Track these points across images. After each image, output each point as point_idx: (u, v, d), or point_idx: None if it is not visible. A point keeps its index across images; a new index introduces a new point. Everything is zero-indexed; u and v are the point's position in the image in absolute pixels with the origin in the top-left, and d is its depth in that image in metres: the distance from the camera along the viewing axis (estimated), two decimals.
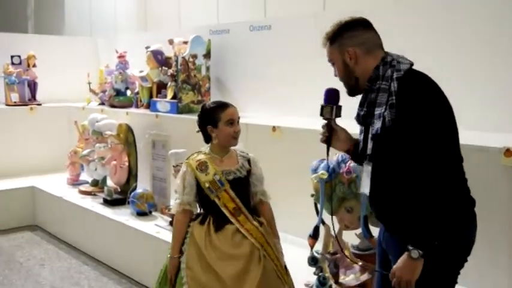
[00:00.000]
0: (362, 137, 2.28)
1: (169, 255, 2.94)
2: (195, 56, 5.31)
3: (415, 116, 1.99)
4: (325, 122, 2.37)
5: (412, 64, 2.15)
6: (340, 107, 2.35)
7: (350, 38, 2.20)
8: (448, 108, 2.06)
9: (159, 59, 5.66)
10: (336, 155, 2.96)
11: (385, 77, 2.11)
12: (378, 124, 2.09)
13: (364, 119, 2.21)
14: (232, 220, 2.88)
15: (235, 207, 2.90)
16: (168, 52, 5.61)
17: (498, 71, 3.52)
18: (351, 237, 3.14)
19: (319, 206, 3.08)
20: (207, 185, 2.88)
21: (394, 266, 2.09)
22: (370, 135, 2.19)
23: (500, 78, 3.51)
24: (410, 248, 2.01)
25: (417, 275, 2.03)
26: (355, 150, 2.37)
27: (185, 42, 5.39)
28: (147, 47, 5.73)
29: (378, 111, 2.10)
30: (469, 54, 3.63)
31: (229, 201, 2.90)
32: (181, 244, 2.92)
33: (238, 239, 2.86)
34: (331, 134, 2.36)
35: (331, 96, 2.36)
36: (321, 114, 2.36)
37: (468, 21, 3.65)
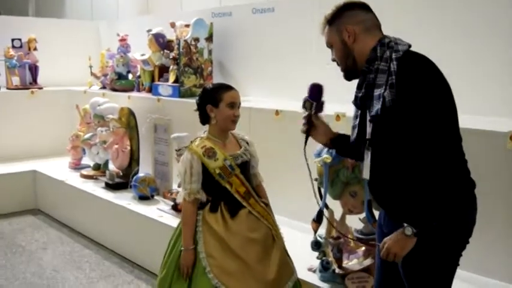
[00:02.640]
0: (357, 122, 2.26)
1: (182, 248, 2.84)
2: (197, 39, 5.27)
3: (416, 95, 1.97)
4: (306, 114, 2.46)
5: (410, 46, 2.14)
6: (322, 103, 2.45)
7: (349, 17, 2.20)
8: (447, 88, 2.04)
9: (161, 43, 5.61)
10: None
11: (384, 58, 2.09)
12: (377, 105, 2.06)
13: (362, 101, 2.18)
14: (244, 204, 2.87)
15: (245, 191, 2.89)
16: (170, 35, 5.56)
17: (505, 54, 3.47)
18: (355, 222, 3.12)
19: (323, 190, 3.07)
20: (217, 171, 2.83)
21: (387, 238, 2.12)
22: (368, 118, 2.17)
23: (507, 61, 3.47)
24: (405, 225, 2.03)
25: (406, 251, 2.06)
26: (333, 144, 2.50)
27: (187, 26, 5.34)
28: (148, 30, 5.69)
29: (377, 92, 2.08)
30: (476, 37, 3.58)
31: (240, 186, 2.87)
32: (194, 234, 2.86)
33: (253, 223, 2.86)
34: (310, 127, 2.46)
35: (314, 92, 2.44)
36: (303, 107, 2.46)
37: (476, 2, 3.60)
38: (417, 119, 1.97)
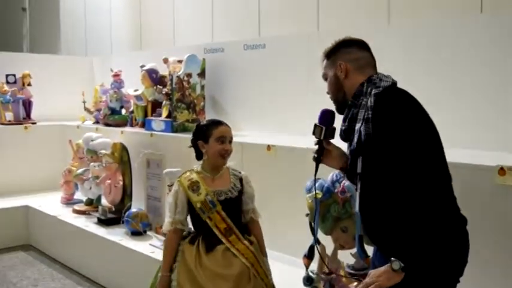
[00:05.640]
0: (349, 153, 2.31)
1: (160, 274, 2.95)
2: (189, 75, 5.32)
3: (391, 129, 1.99)
4: (317, 140, 2.42)
5: (394, 83, 2.19)
6: (333, 129, 2.41)
7: (344, 53, 2.30)
8: (429, 124, 2.06)
9: (154, 78, 5.66)
10: (330, 174, 2.96)
11: (367, 93, 2.15)
12: (355, 139, 2.12)
13: (345, 134, 2.25)
14: (223, 240, 2.89)
15: (226, 228, 2.91)
16: (163, 71, 5.62)
17: (491, 89, 3.53)
18: (346, 257, 3.12)
19: (314, 225, 3.07)
20: (198, 205, 2.90)
21: (373, 270, 2.09)
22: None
23: (494, 96, 3.52)
24: (392, 259, 2.01)
25: (391, 284, 2.01)
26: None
27: (180, 61, 5.40)
28: (142, 66, 5.74)
29: (356, 126, 2.14)
30: (463, 72, 3.64)
31: (220, 222, 2.90)
32: (172, 262, 2.94)
33: (228, 259, 2.87)
34: (321, 153, 2.42)
35: (325, 117, 2.42)
36: (313, 133, 2.42)
37: (462, 40, 3.67)
38: (395, 153, 1.99)
